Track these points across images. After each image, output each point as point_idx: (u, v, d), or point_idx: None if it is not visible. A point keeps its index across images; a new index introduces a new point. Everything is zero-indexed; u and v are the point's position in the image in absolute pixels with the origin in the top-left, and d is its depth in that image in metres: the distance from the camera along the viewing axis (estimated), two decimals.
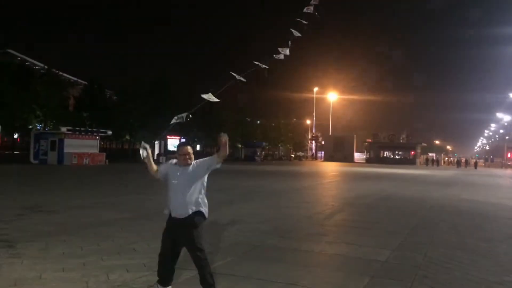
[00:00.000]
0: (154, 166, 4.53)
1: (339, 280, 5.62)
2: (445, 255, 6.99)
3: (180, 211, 4.28)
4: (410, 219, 10.71)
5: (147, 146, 4.51)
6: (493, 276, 6.02)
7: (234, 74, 4.49)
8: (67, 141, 32.67)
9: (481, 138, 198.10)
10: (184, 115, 4.38)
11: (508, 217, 11.93)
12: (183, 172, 4.35)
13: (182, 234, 4.31)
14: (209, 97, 4.41)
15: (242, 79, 4.50)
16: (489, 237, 8.86)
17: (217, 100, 4.42)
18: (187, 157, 4.36)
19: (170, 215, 4.40)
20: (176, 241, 4.36)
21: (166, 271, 4.41)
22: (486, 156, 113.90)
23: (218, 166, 4.42)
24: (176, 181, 4.35)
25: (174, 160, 4.48)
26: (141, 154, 4.50)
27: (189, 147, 4.42)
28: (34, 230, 7.79)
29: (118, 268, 5.59)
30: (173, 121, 4.44)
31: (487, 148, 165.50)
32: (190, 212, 4.29)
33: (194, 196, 4.32)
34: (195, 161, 4.43)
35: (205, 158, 4.49)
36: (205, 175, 4.43)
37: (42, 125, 40.63)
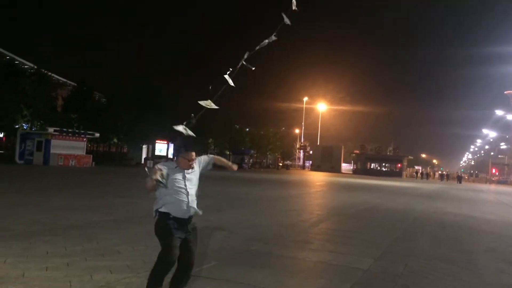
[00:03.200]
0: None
1: (322, 286, 5.71)
2: (425, 266, 7.10)
3: (186, 212, 4.23)
4: (393, 230, 10.85)
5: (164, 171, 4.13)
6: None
7: (227, 78, 4.32)
8: (53, 142, 32.42)
9: (467, 153, 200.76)
10: (191, 120, 4.32)
11: (490, 231, 12.13)
12: (190, 175, 4.32)
13: (190, 235, 4.26)
14: (208, 104, 4.28)
15: (231, 83, 4.42)
16: (470, 250, 9.03)
17: (216, 107, 4.28)
18: (193, 162, 4.32)
19: (169, 216, 4.18)
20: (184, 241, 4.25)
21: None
22: (471, 171, 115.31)
23: (210, 167, 4.56)
24: (182, 184, 4.23)
25: (164, 165, 4.23)
26: (156, 177, 3.98)
27: (194, 153, 4.36)
28: (17, 230, 7.74)
29: (101, 269, 5.60)
30: (181, 128, 4.32)
31: (473, 163, 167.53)
32: (193, 212, 4.30)
33: (195, 197, 4.37)
34: (198, 161, 4.46)
35: (205, 158, 4.56)
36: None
37: (29, 125, 40.19)
